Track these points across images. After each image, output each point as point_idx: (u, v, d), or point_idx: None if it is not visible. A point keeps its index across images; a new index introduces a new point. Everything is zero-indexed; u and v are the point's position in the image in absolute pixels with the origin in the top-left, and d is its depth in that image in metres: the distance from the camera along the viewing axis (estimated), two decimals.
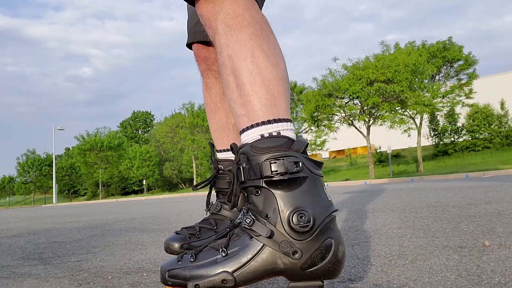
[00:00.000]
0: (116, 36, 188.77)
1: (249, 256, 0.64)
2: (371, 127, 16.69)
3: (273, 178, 0.62)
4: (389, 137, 26.97)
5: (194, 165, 30.71)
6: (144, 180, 36.87)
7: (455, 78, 19.01)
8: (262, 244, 0.63)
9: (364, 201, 3.10)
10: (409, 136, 17.48)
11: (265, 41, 0.71)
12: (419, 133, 18.56)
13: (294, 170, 0.62)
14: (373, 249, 1.22)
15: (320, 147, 24.07)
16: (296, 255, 0.62)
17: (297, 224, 0.62)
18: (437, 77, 19.13)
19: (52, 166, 41.88)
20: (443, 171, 14.57)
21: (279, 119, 0.67)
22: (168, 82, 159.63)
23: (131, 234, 2.16)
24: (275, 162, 0.63)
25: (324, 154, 36.23)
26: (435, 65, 17.89)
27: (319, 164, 0.67)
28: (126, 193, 43.88)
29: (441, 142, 23.71)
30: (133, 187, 43.34)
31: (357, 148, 34.33)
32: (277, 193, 0.64)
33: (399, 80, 14.72)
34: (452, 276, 0.88)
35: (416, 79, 15.88)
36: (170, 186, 42.19)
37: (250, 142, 0.67)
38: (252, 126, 0.68)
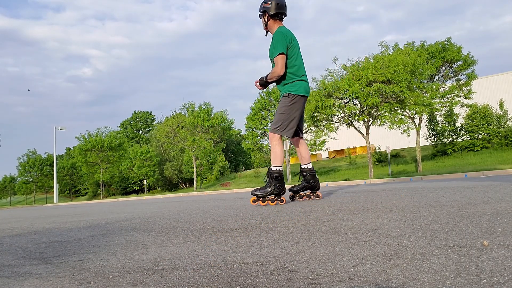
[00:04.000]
0: (116, 37, 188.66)
1: None
2: (370, 127, 16.68)
3: None
4: (388, 137, 26.95)
5: (194, 165, 30.70)
6: (145, 180, 36.87)
7: (454, 78, 18.99)
8: None
9: (363, 201, 3.11)
10: (408, 136, 17.46)
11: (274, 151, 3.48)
12: (418, 133, 18.54)
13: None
14: (372, 249, 1.22)
15: (319, 147, 24.08)
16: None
17: None
18: (436, 78, 19.11)
19: (53, 166, 41.87)
20: (442, 171, 14.57)
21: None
22: (169, 83, 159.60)
23: (131, 234, 2.17)
24: None
25: (323, 154, 36.22)
26: (434, 65, 17.87)
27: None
28: (126, 193, 43.88)
29: (440, 142, 23.68)
30: (134, 187, 43.35)
31: (356, 148, 34.32)
32: None
33: (398, 80, 14.70)
34: (451, 275, 0.88)
35: (415, 80, 15.86)
36: (171, 186, 42.18)
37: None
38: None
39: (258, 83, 3.60)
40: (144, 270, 1.18)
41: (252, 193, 3.42)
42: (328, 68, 19.27)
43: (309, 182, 3.58)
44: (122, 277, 1.11)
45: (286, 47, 3.32)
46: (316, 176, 3.64)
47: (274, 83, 3.61)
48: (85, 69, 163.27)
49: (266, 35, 3.64)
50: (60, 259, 1.50)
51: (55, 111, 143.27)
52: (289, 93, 3.37)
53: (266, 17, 3.46)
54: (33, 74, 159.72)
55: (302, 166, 3.64)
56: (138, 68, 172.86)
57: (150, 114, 66.58)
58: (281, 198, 3.42)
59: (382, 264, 1.02)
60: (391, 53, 16.84)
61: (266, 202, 3.39)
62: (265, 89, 3.95)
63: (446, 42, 18.53)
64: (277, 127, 3.39)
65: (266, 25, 3.51)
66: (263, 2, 3.48)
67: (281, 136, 3.43)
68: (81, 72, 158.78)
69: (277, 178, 3.35)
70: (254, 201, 3.45)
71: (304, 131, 23.77)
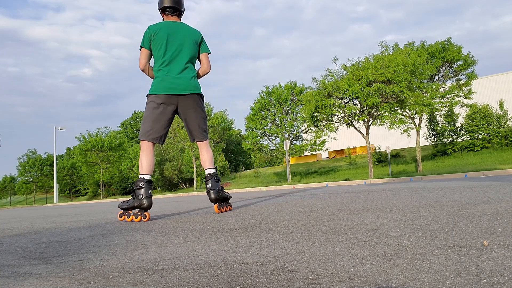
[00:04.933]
0: (116, 37, 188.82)
1: None
2: (370, 127, 16.69)
3: None
4: (388, 137, 26.96)
5: (194, 165, 30.69)
6: None
7: (454, 78, 18.99)
8: None
9: (363, 201, 3.11)
10: (408, 136, 17.47)
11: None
12: (418, 133, 18.55)
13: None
14: (372, 249, 1.22)
15: (319, 147, 24.08)
16: None
17: None
18: (436, 78, 19.12)
19: (53, 166, 41.88)
20: (442, 171, 14.57)
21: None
22: None
23: (132, 234, 2.17)
24: None
25: (323, 154, 36.24)
26: (434, 65, 17.87)
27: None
28: (126, 193, 43.84)
29: (440, 142, 23.68)
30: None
31: (356, 148, 34.32)
32: None
33: (398, 80, 14.70)
34: (451, 275, 0.88)
35: (415, 80, 15.86)
36: (171, 186, 42.18)
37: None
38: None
39: None
40: (144, 270, 1.18)
41: (119, 206, 3.02)
42: (328, 68, 19.29)
43: (212, 187, 3.08)
44: (122, 277, 1.11)
45: (148, 41, 3.09)
46: (219, 183, 3.13)
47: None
48: (85, 69, 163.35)
49: None
50: (60, 259, 1.50)
51: (55, 111, 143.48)
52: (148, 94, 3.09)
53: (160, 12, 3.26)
54: (33, 74, 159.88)
55: (205, 172, 3.21)
56: (138, 68, 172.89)
57: None
58: (145, 213, 2.92)
59: (382, 264, 1.02)
60: (391, 53, 16.84)
61: (131, 217, 2.94)
62: None
63: (446, 42, 18.53)
64: (140, 132, 3.05)
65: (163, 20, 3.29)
66: None
67: (153, 143, 3.02)
68: (81, 72, 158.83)
69: (140, 189, 2.92)
70: (120, 216, 3.03)
71: (304, 131, 23.44)
